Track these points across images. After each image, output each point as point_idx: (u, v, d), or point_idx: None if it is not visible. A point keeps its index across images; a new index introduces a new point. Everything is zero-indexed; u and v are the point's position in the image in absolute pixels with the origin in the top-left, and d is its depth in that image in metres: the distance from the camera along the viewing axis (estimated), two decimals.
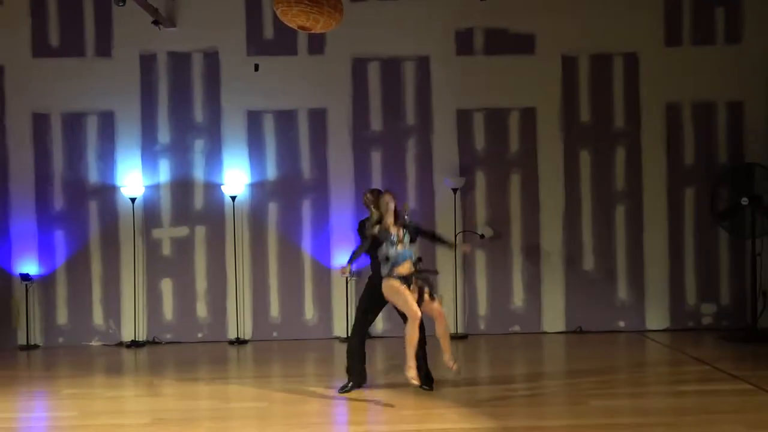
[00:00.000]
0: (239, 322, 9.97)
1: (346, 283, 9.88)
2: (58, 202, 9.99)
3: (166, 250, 10.05)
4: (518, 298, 10.14)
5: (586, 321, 10.08)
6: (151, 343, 9.96)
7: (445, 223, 9.97)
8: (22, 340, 9.90)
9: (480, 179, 10.12)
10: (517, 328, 10.12)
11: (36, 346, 9.91)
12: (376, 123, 10.12)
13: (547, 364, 8.63)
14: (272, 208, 10.11)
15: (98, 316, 10.02)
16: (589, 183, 10.13)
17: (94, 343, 10.01)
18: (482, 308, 10.14)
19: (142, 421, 6.09)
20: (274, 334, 10.03)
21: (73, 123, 10.02)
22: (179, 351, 9.55)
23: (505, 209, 10.13)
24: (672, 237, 10.11)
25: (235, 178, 9.97)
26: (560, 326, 10.10)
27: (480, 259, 10.13)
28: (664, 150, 10.11)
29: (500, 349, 9.16)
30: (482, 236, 10.00)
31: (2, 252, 9.93)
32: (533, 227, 10.11)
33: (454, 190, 9.92)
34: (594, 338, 9.72)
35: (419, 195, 10.09)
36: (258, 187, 10.09)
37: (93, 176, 10.04)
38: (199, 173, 10.07)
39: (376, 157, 10.11)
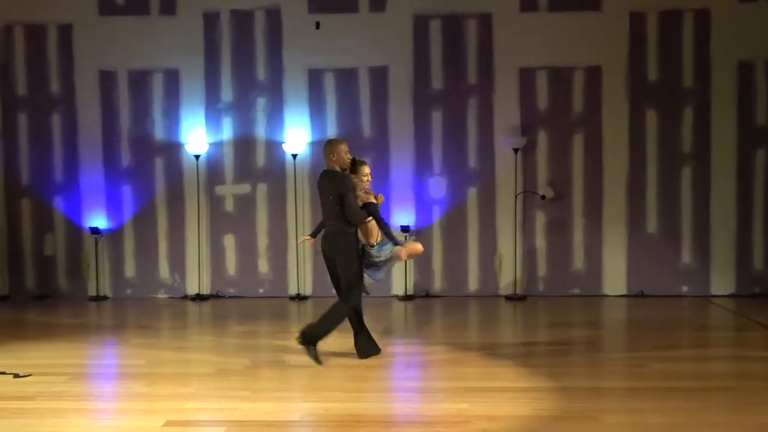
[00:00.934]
0: (300, 279, 10.13)
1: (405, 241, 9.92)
2: (125, 158, 10.24)
3: (229, 206, 10.23)
4: (579, 260, 10.04)
5: (648, 285, 9.93)
6: (214, 296, 10.22)
7: (506, 184, 9.90)
8: (92, 291, 10.27)
9: (542, 139, 9.98)
10: (577, 291, 10.03)
11: (105, 298, 10.27)
12: (437, 81, 10.04)
13: (607, 326, 8.55)
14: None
15: (164, 270, 10.31)
16: (654, 144, 9.89)
17: (160, 296, 10.32)
18: (542, 269, 10.08)
19: (207, 370, 6.28)
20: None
21: (139, 80, 10.21)
22: (241, 305, 9.78)
23: (567, 170, 9.99)
24: (740, 200, 9.83)
25: (296, 136, 10.05)
26: (621, 289, 9.98)
27: (540, 220, 10.04)
28: (735, 110, 9.78)
29: (559, 311, 9.11)
30: (543, 197, 9.89)
31: (73, 206, 10.27)
32: (596, 188, 9.95)
33: (515, 150, 9.81)
34: (656, 302, 9.57)
35: (479, 155, 10.02)
36: (318, 146, 10.13)
37: (159, 133, 10.24)
38: (260, 131, 10.18)
39: (436, 117, 10.05)
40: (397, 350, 7.21)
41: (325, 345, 6.53)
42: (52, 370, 6.32)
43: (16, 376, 6.09)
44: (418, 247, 6.52)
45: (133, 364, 6.63)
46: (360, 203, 6.32)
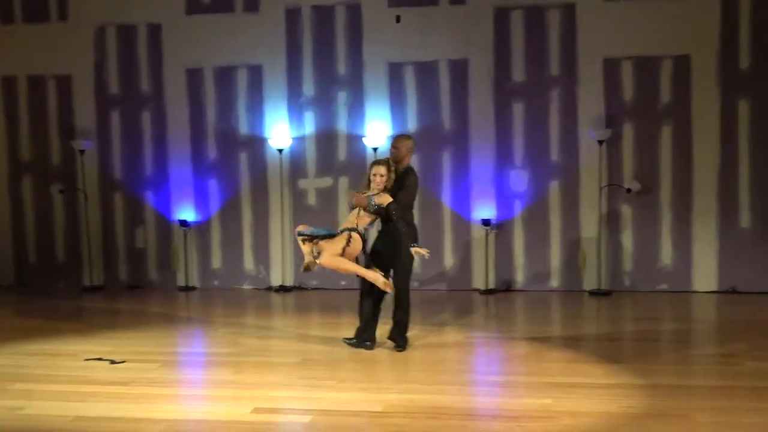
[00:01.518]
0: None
1: (486, 235, 9.88)
2: (212, 153, 10.52)
3: (311, 199, 10.39)
4: (666, 255, 9.75)
5: (741, 281, 9.57)
6: (297, 288, 10.40)
7: (590, 177, 9.71)
8: (180, 281, 10.62)
9: (627, 131, 9.74)
10: (664, 287, 9.76)
11: (193, 288, 10.59)
12: (518, 73, 9.92)
13: (697, 323, 8.30)
14: (413, 160, 10.10)
15: (249, 261, 10.56)
16: (747, 134, 9.51)
17: (245, 287, 10.58)
18: (627, 264, 9.84)
19: (291, 360, 6.42)
20: (415, 284, 10.17)
21: (224, 77, 10.46)
22: (323, 297, 9.92)
23: (654, 162, 9.71)
24: None
25: (377, 129, 10.11)
26: (712, 286, 9.65)
27: (626, 213, 9.81)
28: None
29: (646, 307, 8.88)
30: (629, 190, 9.66)
31: (162, 200, 10.62)
32: (685, 181, 9.65)
33: (600, 143, 9.60)
34: (749, 299, 9.22)
35: (562, 147, 9.86)
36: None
37: (243, 128, 10.48)
38: (342, 125, 10.29)
39: (518, 109, 9.94)
40: (479, 344, 7.20)
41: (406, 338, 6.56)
42: (145, 357, 6.58)
43: (112, 362, 6.36)
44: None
45: (221, 353, 6.84)
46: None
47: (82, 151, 10.52)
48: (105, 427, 4.80)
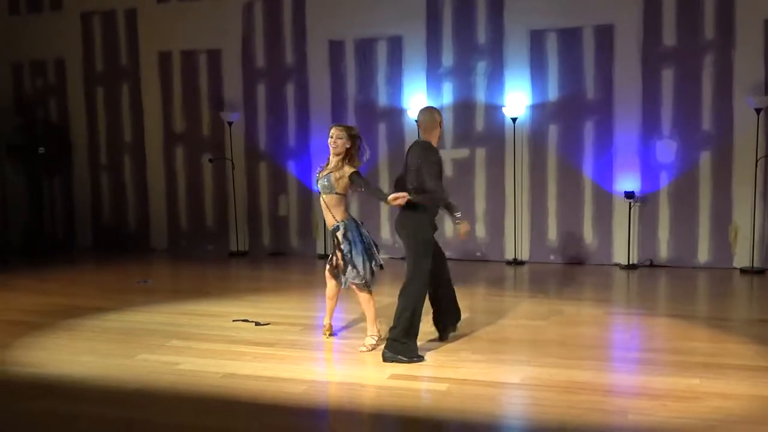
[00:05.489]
0: (516, 243, 10.08)
1: (629, 208, 9.53)
2: (351, 122, 10.68)
3: (448, 170, 10.37)
4: None
5: None
6: None
7: (745, 148, 9.12)
8: (320, 249, 10.95)
9: None
10: None
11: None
12: (668, 38, 9.42)
13: None
14: (553, 130, 9.95)
15: (386, 232, 10.71)
16: None
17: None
18: None
19: (429, 328, 6.48)
20: (551, 257, 10.02)
21: (365, 48, 10.59)
22: (461, 268, 9.92)
23: None
24: None
25: (516, 99, 9.93)
26: None
27: None
28: None
29: None
30: None
31: (304, 169, 10.94)
32: None
33: (757, 111, 8.98)
34: None
35: (715, 116, 9.30)
36: (539, 109, 9.96)
37: (382, 99, 10.60)
38: (480, 95, 10.17)
39: (667, 76, 9.45)
40: (618, 320, 6.99)
41: (534, 314, 6.46)
42: (287, 320, 6.86)
43: (257, 324, 6.68)
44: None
45: (360, 319, 6.97)
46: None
47: (230, 123, 11.01)
48: (252, 385, 5.06)
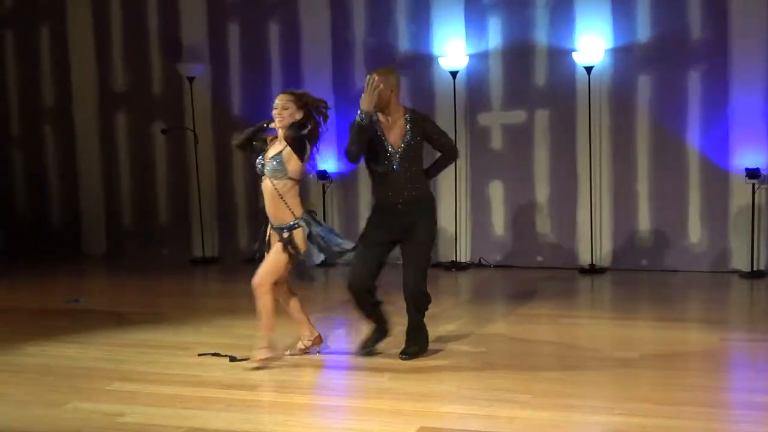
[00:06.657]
0: (594, 244, 10.07)
1: (753, 192, 9.51)
2: (359, 77, 10.67)
3: (497, 141, 10.39)
4: None
5: None
6: (475, 265, 10.48)
7: None
8: None
9: None
10: None
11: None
12: None
13: None
14: (643, 83, 9.95)
15: None
16: None
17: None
18: None
19: (467, 363, 6.51)
20: (644, 262, 10.01)
21: None
22: (511, 277, 9.95)
23: None
24: None
25: (592, 41, 9.93)
26: None
27: None
28: None
29: None
30: None
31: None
32: None
33: None
34: None
35: None
36: (624, 54, 9.95)
37: (403, 43, 10.61)
38: (541, 36, 10.18)
39: None
40: (737, 348, 6.98)
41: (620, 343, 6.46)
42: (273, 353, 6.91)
43: (232, 359, 6.76)
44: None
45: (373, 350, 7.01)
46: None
47: (191, 78, 11.07)
48: None
